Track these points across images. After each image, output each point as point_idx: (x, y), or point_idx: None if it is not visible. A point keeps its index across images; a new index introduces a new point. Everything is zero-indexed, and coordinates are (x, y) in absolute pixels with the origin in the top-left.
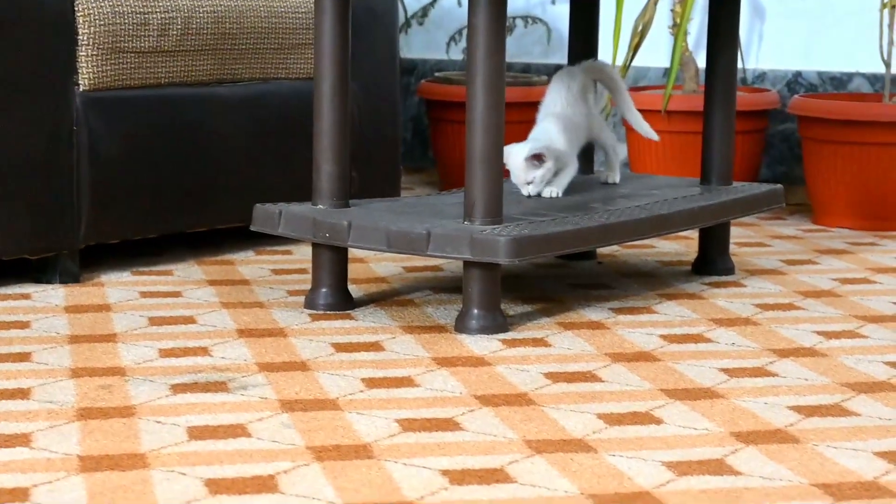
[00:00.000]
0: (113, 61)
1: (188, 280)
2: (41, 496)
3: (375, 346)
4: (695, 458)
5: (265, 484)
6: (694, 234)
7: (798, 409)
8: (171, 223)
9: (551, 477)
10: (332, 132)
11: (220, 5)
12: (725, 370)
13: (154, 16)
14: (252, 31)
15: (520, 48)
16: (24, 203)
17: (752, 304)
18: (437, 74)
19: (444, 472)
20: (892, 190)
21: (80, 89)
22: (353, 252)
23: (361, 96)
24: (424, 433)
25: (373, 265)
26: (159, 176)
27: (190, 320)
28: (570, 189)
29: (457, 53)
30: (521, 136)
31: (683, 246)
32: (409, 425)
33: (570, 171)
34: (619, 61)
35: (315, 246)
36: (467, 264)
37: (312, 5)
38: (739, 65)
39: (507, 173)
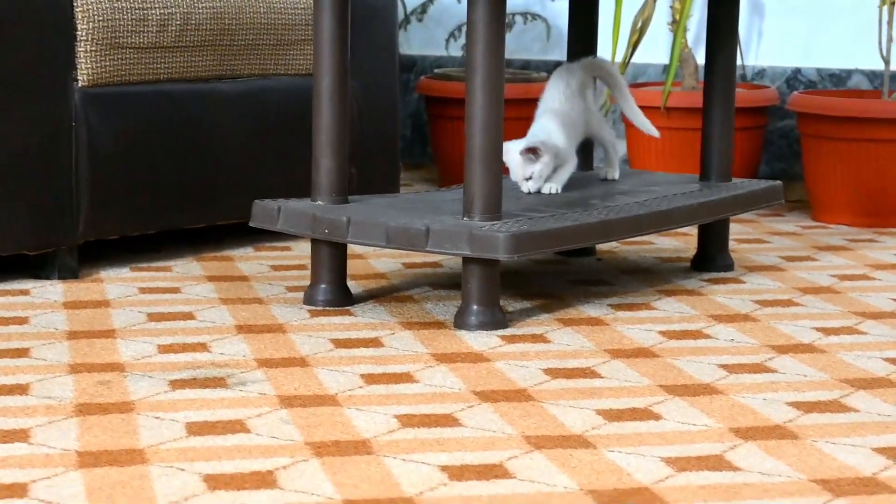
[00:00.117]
0: (112, 57)
1: (187, 276)
2: (40, 492)
3: (374, 342)
4: (694, 454)
5: (264, 479)
6: (693, 230)
7: (797, 405)
8: (170, 219)
9: (550, 473)
10: (332, 128)
11: (220, 1)
12: (724, 366)
13: (153, 11)
14: (251, 27)
15: (519, 45)
16: (23, 199)
17: (751, 300)
18: (436, 71)
19: (444, 468)
20: (891, 186)
21: (79, 85)
22: (353, 248)
23: (361, 93)
24: (423, 429)
25: (372, 261)
26: (158, 172)
27: (189, 316)
28: (570, 185)
29: (456, 50)
30: (521, 133)
31: (682, 242)
32: (408, 421)
33: (570, 167)
34: (619, 58)
35: (314, 242)
36: (466, 260)
37: (312, 1)
38: (739, 61)
39: (506, 170)
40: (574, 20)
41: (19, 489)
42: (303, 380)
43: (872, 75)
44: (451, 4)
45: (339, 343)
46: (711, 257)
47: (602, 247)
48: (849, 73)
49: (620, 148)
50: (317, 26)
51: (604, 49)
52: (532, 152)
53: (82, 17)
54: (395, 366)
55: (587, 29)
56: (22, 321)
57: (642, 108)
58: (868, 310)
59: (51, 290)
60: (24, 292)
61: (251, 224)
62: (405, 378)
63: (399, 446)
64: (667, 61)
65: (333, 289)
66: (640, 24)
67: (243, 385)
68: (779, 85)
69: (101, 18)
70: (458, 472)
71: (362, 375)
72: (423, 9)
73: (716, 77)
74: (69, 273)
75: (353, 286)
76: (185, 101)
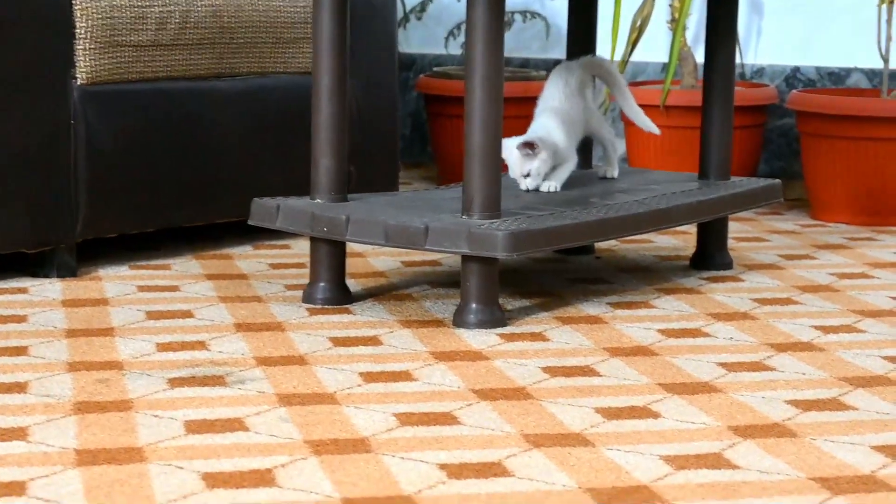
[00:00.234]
0: (111, 55)
1: (186, 274)
2: (38, 490)
3: (373, 341)
4: (692, 452)
5: (263, 477)
6: (692, 228)
7: (796, 403)
8: (168, 217)
9: (549, 471)
10: (331, 127)
11: None
12: (723, 364)
13: (152, 9)
14: (250, 25)
15: (518, 43)
16: (22, 197)
17: (749, 298)
18: (435, 69)
19: (442, 466)
20: (890, 185)
21: (78, 83)
22: (351, 246)
23: (360, 91)
24: (422, 427)
25: (371, 259)
26: (157, 170)
27: (187, 314)
28: (569, 184)
29: (455, 48)
30: (520, 131)
31: (681, 241)
32: (406, 419)
33: (569, 165)
34: (618, 56)
35: (313, 240)
36: (465, 259)
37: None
38: (738, 60)
39: (505, 168)
40: (573, 18)
41: (17, 487)
42: (301, 378)
43: (871, 74)
44: (450, 3)
45: (338, 341)
46: (710, 256)
47: (601, 245)
48: (848, 72)
49: (619, 146)
50: (316, 25)
51: (603, 47)
52: (529, 147)
53: (81, 15)
54: (394, 364)
55: (586, 27)
56: (20, 319)
57: (641, 106)
58: (867, 308)
59: (49, 289)
60: (23, 290)
61: (250, 222)
62: (404, 376)
63: (398, 444)
64: (666, 60)
65: (332, 287)
66: (639, 23)
67: (242, 383)
68: (778, 83)
69: (99, 17)
70: (456, 471)
71: (361, 374)
72: (423, 7)
73: (715, 75)
74: (68, 271)
75: (352, 284)
76: (183, 100)
